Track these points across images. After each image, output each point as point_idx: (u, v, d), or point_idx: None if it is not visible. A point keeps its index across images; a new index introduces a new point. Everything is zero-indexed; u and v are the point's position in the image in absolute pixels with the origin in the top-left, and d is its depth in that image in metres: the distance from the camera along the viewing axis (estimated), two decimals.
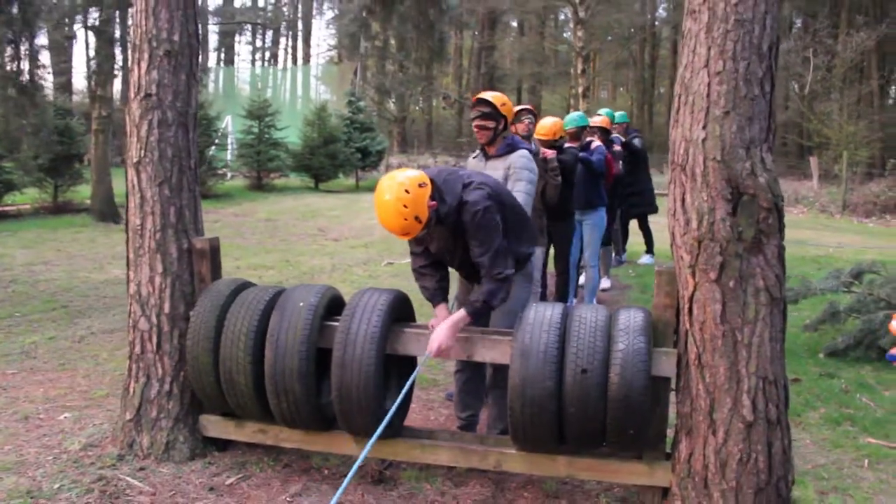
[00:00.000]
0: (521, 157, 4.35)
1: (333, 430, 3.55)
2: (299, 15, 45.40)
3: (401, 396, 3.06)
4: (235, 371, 3.42)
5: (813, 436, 4.26)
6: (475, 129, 4.43)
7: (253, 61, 45.34)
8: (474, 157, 4.60)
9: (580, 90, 24.10)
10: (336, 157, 20.08)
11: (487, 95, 4.35)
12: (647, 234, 9.61)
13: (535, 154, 5.65)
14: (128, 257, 3.77)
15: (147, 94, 3.64)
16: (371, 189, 20.64)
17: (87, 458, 3.67)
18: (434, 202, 3.24)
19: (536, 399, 3.07)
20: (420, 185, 3.17)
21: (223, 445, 3.82)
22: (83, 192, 13.75)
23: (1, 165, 12.62)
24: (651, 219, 9.48)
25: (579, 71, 24.31)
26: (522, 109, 6.05)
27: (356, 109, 21.97)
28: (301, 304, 3.41)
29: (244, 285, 3.70)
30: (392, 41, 26.73)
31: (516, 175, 4.29)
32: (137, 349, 3.73)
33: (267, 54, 46.20)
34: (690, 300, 3.04)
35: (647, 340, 3.10)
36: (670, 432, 3.35)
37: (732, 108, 2.92)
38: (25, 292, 7.25)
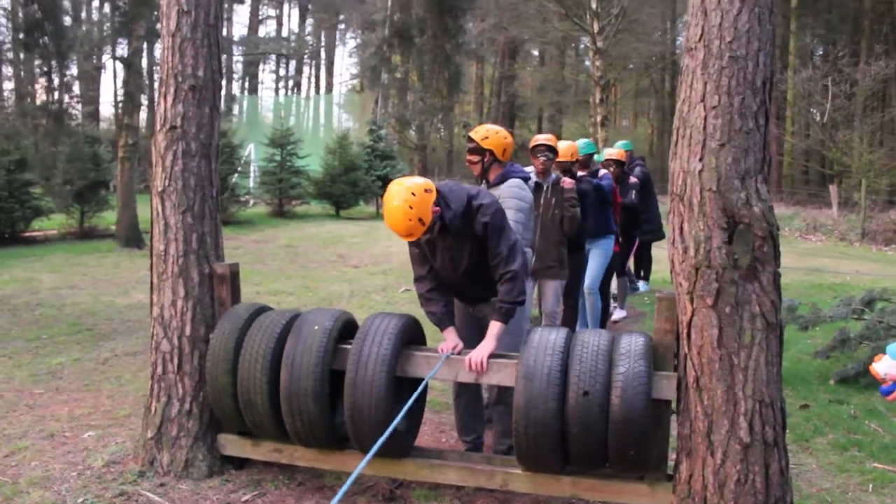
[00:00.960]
0: (509, 186, 4.42)
1: (346, 449, 3.68)
2: (322, 45, 46.21)
3: (409, 403, 3.16)
4: (253, 391, 3.57)
5: (819, 460, 4.31)
6: (467, 164, 4.63)
7: (277, 90, 46.16)
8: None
9: (599, 119, 24.26)
10: (357, 185, 20.35)
11: (473, 131, 4.54)
12: (647, 261, 9.70)
13: (555, 183, 5.71)
14: (151, 282, 3.95)
15: (172, 127, 3.85)
16: None
17: (109, 474, 3.82)
18: (438, 208, 3.49)
19: (540, 420, 3.18)
20: (425, 191, 3.43)
21: (240, 464, 3.96)
22: (109, 218, 14.09)
23: (29, 192, 13.00)
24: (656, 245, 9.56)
25: (598, 100, 24.49)
26: (539, 145, 5.81)
27: (377, 138, 22.29)
28: (316, 327, 3.55)
29: (262, 309, 3.86)
30: (412, 72, 27.19)
31: (505, 203, 4.30)
32: (159, 370, 3.89)
33: (290, 83, 47.00)
34: (689, 325, 3.15)
35: (648, 364, 3.21)
36: (673, 455, 3.44)
37: (728, 140, 3.05)
38: (52, 315, 7.48)
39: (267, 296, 8.67)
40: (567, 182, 5.79)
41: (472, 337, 3.77)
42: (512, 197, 4.40)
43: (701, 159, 3.09)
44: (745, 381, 3.05)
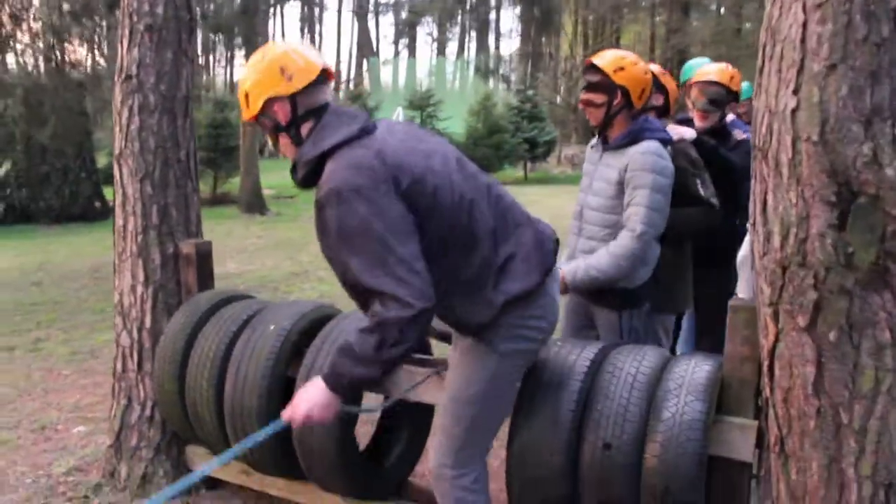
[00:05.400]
0: (644, 153, 2.73)
1: None
2: (482, 6, 45.34)
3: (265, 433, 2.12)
4: (200, 403, 2.84)
5: None
6: (580, 108, 2.99)
7: (439, 52, 46.02)
8: (591, 147, 3.09)
9: None
10: (501, 148, 19.50)
11: (597, 57, 2.86)
12: None
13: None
14: (114, 263, 3.31)
15: (128, 76, 3.14)
16: (540, 181, 19.76)
17: (65, 484, 3.28)
18: (279, 110, 2.06)
19: (538, 479, 2.20)
20: (281, 69, 2.04)
21: (213, 483, 3.25)
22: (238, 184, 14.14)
23: None
24: None
25: None
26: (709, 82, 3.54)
27: (525, 98, 21.21)
28: (272, 326, 2.75)
29: (230, 299, 3.09)
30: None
31: (634, 180, 2.72)
32: (119, 367, 3.26)
33: (452, 45, 46.73)
34: (772, 354, 2.01)
35: (709, 406, 2.12)
36: None
37: (842, 59, 1.84)
38: None
39: None
40: (681, 131, 3.25)
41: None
42: (646, 170, 2.72)
43: (796, 91, 1.90)
44: (860, 452, 1.88)
